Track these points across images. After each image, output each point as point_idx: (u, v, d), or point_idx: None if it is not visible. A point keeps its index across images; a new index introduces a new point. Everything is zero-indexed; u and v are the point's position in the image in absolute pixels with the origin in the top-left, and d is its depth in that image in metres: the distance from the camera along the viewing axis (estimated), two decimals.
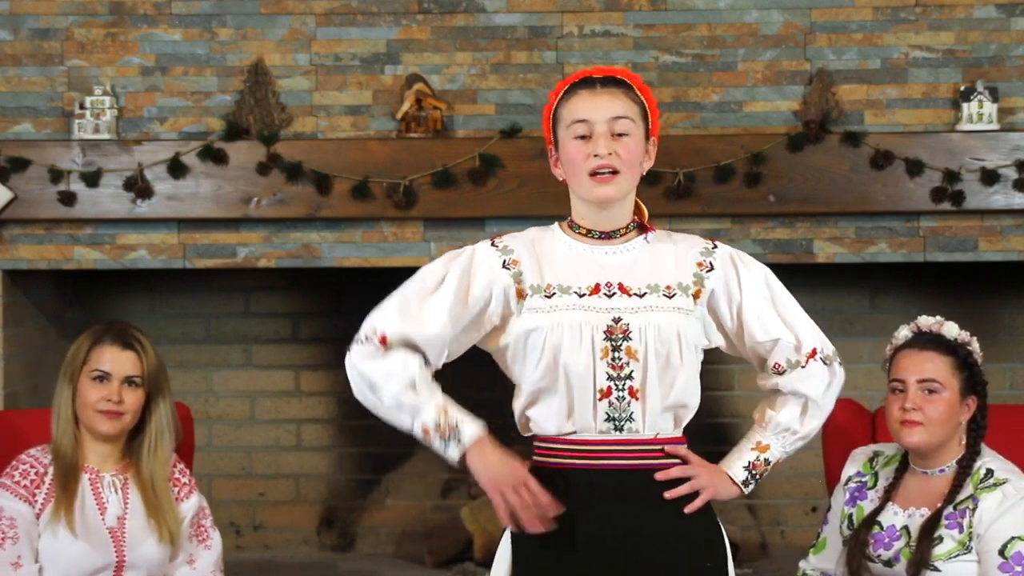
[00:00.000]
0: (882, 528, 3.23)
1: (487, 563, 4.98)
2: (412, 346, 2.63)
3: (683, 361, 2.61)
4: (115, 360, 3.38)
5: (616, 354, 2.59)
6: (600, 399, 2.59)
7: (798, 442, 2.73)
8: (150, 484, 3.38)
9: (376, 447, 5.46)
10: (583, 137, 2.63)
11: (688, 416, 2.67)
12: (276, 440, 5.49)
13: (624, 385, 2.59)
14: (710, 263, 2.69)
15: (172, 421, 3.45)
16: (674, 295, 2.64)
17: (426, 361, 2.64)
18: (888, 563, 3.20)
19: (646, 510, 2.61)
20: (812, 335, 2.73)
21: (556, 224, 2.74)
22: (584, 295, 2.62)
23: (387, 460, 5.47)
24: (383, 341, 2.61)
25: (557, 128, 2.68)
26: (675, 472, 2.63)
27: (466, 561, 5.16)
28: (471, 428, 2.58)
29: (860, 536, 3.24)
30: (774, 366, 2.72)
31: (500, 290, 2.66)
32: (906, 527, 3.21)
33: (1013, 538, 3.09)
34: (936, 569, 3.13)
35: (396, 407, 2.60)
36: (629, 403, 2.59)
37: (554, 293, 2.63)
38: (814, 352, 2.72)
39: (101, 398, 3.35)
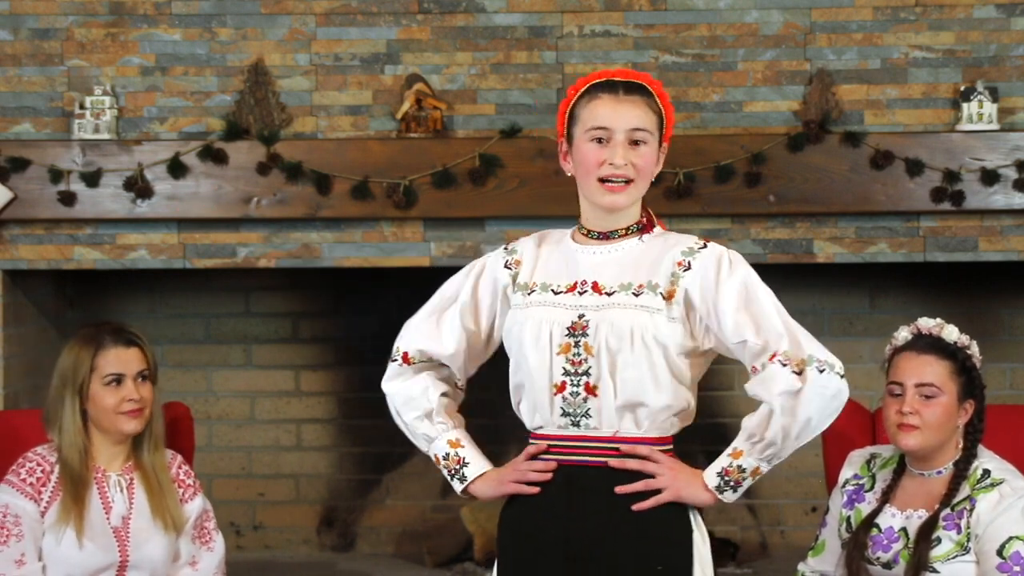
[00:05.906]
0: (880, 530, 3.23)
1: (487, 563, 4.98)
2: (435, 362, 2.77)
3: (636, 358, 2.57)
4: (124, 360, 3.41)
5: (576, 350, 2.61)
6: (555, 394, 2.62)
7: (768, 448, 2.58)
8: (153, 473, 3.41)
9: (376, 447, 5.46)
10: (599, 140, 2.63)
11: (651, 416, 2.60)
12: (276, 440, 5.49)
13: (580, 381, 2.61)
14: (688, 263, 2.64)
15: (159, 408, 3.51)
16: (641, 293, 2.62)
17: (451, 375, 2.79)
18: (887, 565, 3.19)
19: (595, 507, 2.60)
20: (779, 339, 2.58)
21: (574, 228, 2.75)
22: (560, 292, 2.66)
23: (387, 460, 5.46)
24: (406, 359, 2.77)
25: (573, 126, 2.67)
26: (632, 464, 2.59)
27: (466, 561, 5.16)
28: (476, 467, 2.72)
29: (858, 538, 3.24)
30: (752, 369, 2.63)
31: (501, 291, 2.75)
32: (904, 529, 3.21)
33: (1011, 538, 3.09)
34: (935, 571, 3.13)
35: (414, 433, 2.79)
36: (586, 399, 2.61)
37: (534, 291, 2.68)
38: (773, 356, 2.57)
39: (121, 400, 3.38)
